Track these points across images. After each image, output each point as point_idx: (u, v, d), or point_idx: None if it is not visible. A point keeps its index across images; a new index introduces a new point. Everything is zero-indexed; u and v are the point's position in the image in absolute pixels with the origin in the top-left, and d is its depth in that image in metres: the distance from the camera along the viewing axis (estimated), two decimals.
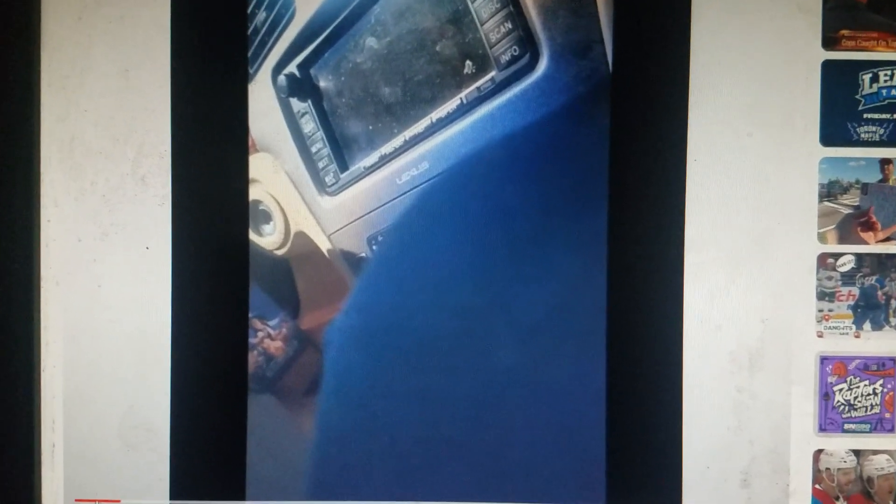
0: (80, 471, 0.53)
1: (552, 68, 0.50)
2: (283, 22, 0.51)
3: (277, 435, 0.52)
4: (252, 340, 0.52)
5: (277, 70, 0.52)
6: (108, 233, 0.52)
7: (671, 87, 0.52)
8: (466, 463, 0.53)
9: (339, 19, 0.51)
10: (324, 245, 0.52)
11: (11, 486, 0.52)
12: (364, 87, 0.51)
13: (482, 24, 0.50)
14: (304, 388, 0.52)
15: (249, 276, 0.52)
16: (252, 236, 0.52)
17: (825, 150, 0.53)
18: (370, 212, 0.52)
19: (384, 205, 0.52)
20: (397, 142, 0.52)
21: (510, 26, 0.49)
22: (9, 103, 0.52)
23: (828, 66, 0.53)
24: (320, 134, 0.52)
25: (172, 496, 0.52)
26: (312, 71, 0.52)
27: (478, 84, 0.50)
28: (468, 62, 0.50)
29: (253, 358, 0.52)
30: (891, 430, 0.54)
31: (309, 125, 0.52)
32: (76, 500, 0.53)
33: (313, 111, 0.52)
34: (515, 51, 0.50)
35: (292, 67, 0.52)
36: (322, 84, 0.52)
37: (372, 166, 0.52)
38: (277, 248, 0.52)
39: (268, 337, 0.52)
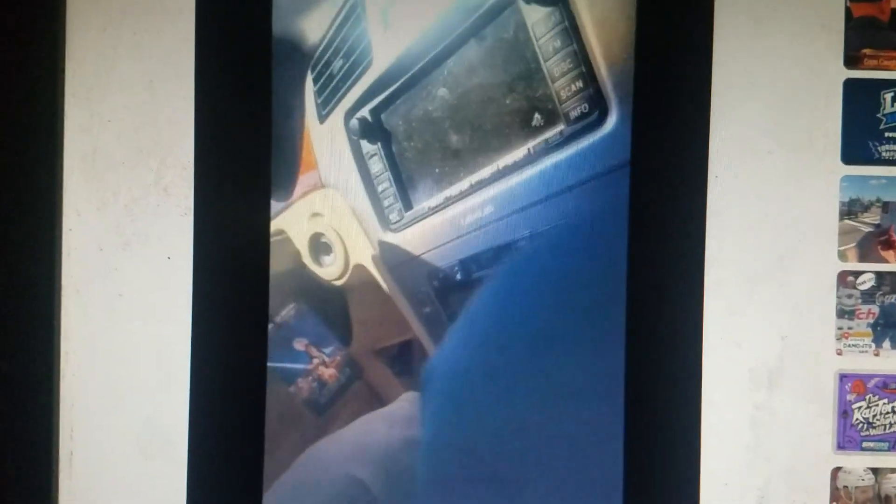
0: (97, 479, 0.53)
1: (620, 124, 0.52)
2: (360, 70, 0.53)
3: (295, 448, 0.53)
4: (307, 366, 0.53)
5: (350, 114, 0.54)
6: (129, 242, 0.52)
7: (693, 103, 0.52)
8: (488, 475, 0.53)
9: (413, 70, 0.53)
10: (383, 279, 0.54)
11: (29, 493, 0.52)
12: (433, 132, 0.53)
13: (553, 82, 0.52)
14: (354, 414, 0.53)
15: (269, 287, 0.52)
16: (312, 266, 0.53)
17: (846, 168, 0.53)
18: (432, 249, 0.54)
19: (447, 243, 0.54)
20: (463, 185, 0.53)
21: (581, 85, 0.51)
22: (33, 114, 0.52)
23: (849, 85, 0.53)
24: (388, 174, 0.54)
25: None
26: (383, 116, 0.54)
27: (546, 136, 0.52)
28: (537, 115, 0.52)
29: (307, 384, 0.53)
30: None
31: (377, 166, 0.54)
32: None
33: (382, 153, 0.54)
34: (585, 107, 0.52)
35: (365, 112, 0.54)
36: (392, 128, 0.54)
37: (436, 207, 0.54)
38: (336, 279, 0.54)
39: (322, 364, 0.53)
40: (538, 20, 0.51)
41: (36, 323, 0.52)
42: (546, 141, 0.52)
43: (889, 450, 0.54)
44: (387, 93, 0.53)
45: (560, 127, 0.52)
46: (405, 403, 0.54)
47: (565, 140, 0.52)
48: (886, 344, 0.54)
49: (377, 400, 0.54)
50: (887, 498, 0.54)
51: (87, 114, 0.52)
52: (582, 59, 0.51)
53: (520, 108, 0.52)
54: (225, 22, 0.52)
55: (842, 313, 0.53)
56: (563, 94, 0.52)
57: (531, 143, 0.52)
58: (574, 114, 0.52)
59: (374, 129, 0.54)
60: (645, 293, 0.52)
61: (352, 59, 0.53)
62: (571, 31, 0.51)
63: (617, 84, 0.51)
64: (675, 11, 0.52)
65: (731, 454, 0.53)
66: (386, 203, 0.54)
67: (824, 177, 0.53)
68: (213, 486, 0.53)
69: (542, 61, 0.52)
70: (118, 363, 0.52)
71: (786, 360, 0.53)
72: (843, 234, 0.53)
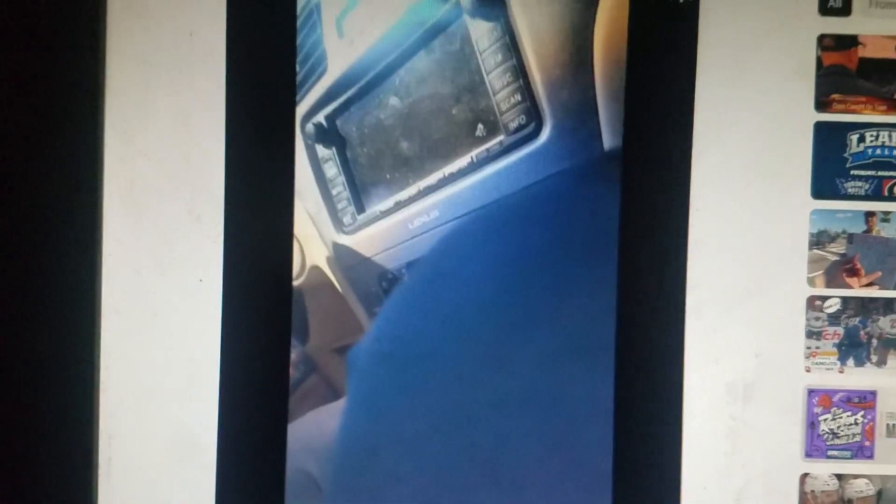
0: (134, 483, 0.57)
1: (554, 137, 0.55)
2: (316, 76, 0.56)
3: (315, 452, 0.57)
4: None
5: (306, 118, 0.57)
6: (164, 266, 0.57)
7: (677, 144, 0.56)
8: (483, 480, 0.57)
9: (366, 78, 0.56)
10: (337, 280, 0.57)
11: (72, 496, 0.56)
12: (385, 140, 0.56)
13: (494, 94, 0.55)
14: (308, 408, 0.57)
15: (292, 308, 0.56)
16: None
17: (816, 203, 0.57)
18: (383, 251, 0.57)
19: (396, 246, 0.57)
20: (412, 191, 0.57)
21: (519, 98, 0.55)
22: (75, 146, 0.56)
23: (819, 127, 0.57)
24: (341, 178, 0.57)
25: None
26: (339, 122, 0.56)
27: (487, 146, 0.56)
28: (480, 126, 0.56)
29: None
30: (870, 457, 0.58)
31: (332, 170, 0.57)
32: None
33: (336, 158, 0.57)
34: (522, 119, 0.55)
35: (320, 117, 0.57)
36: (346, 134, 0.56)
37: (387, 211, 0.57)
38: (293, 280, 0.57)
39: None
40: (481, 34, 0.54)
41: (78, 340, 0.56)
42: (487, 150, 0.55)
43: (852, 458, 0.58)
44: (341, 99, 0.56)
45: (500, 137, 0.55)
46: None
47: (504, 150, 0.55)
48: (850, 362, 0.58)
49: (333, 394, 0.57)
50: (850, 501, 0.58)
51: (125, 147, 0.56)
52: (520, 72, 0.54)
53: (465, 118, 0.55)
54: (253, 60, 0.56)
55: (810, 334, 0.58)
56: (503, 106, 0.55)
57: (474, 152, 0.56)
58: (513, 125, 0.55)
59: (329, 135, 0.56)
60: (632, 314, 0.56)
61: (307, 64, 0.56)
62: (511, 45, 0.54)
63: (551, 97, 0.54)
64: (662, 58, 0.56)
65: (709, 461, 0.58)
66: (340, 206, 0.57)
67: (796, 210, 0.57)
68: (239, 489, 0.57)
69: (484, 74, 0.55)
70: (153, 377, 0.57)
71: (759, 376, 0.58)
72: (812, 262, 0.57)
